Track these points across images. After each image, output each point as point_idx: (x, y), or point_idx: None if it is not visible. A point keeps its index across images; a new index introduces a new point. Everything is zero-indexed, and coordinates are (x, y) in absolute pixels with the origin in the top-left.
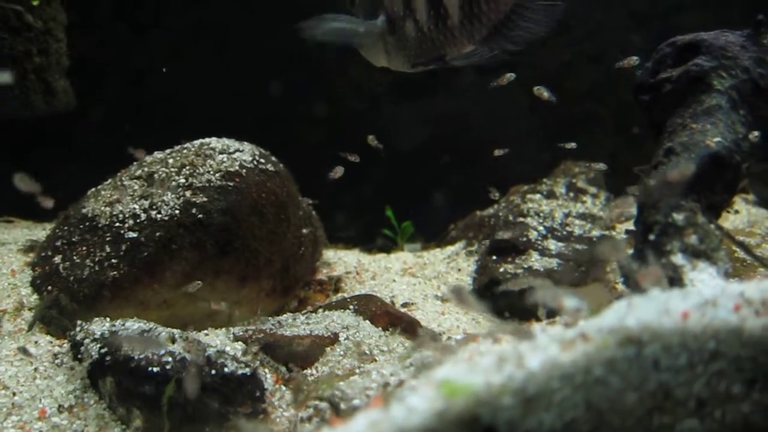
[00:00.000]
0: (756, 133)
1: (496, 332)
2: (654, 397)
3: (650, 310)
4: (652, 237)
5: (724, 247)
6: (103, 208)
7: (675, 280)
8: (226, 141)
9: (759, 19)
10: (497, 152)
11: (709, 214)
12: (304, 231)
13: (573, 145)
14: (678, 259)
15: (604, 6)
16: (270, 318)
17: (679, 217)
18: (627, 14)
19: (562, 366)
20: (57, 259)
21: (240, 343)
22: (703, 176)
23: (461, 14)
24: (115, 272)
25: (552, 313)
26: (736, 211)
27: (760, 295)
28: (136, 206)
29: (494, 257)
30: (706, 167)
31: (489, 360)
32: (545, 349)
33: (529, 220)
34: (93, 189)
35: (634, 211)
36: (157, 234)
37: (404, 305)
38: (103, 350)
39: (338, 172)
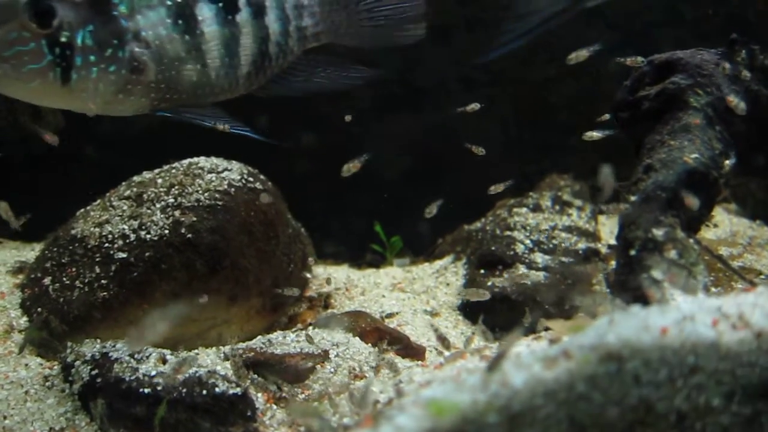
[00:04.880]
0: (729, 162)
1: (483, 349)
2: (636, 411)
3: (630, 326)
4: (632, 252)
5: (704, 261)
6: (92, 228)
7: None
8: (214, 160)
9: (732, 38)
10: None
11: (688, 229)
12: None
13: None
14: (658, 274)
15: (585, 21)
16: (260, 336)
17: (658, 232)
18: (608, 30)
19: (546, 383)
20: (46, 280)
21: (231, 362)
22: (682, 192)
23: (253, 66)
24: (105, 293)
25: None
26: (715, 225)
27: (736, 309)
28: (125, 227)
29: (482, 271)
30: (684, 183)
31: (475, 378)
32: (529, 366)
33: (515, 233)
34: (82, 210)
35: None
36: (147, 254)
37: (388, 316)
38: (94, 372)
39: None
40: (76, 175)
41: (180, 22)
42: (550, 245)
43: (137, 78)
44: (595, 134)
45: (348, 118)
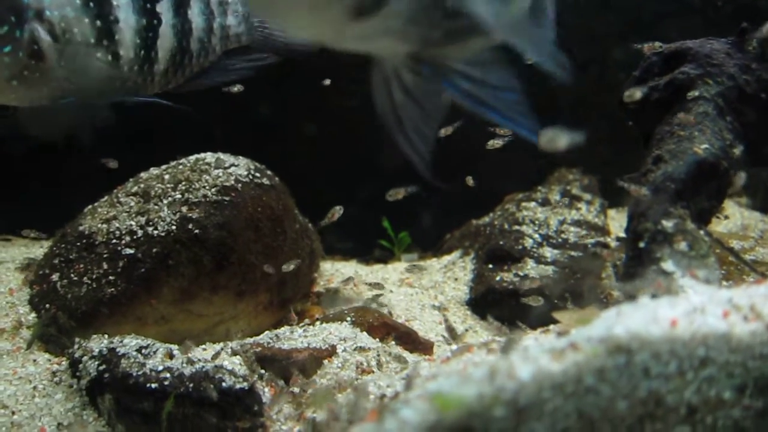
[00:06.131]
0: (736, 151)
1: (490, 342)
2: (645, 404)
3: (639, 318)
4: (642, 244)
5: (715, 253)
6: (99, 225)
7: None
8: (221, 156)
9: (743, 27)
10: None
11: (698, 221)
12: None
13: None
14: (668, 265)
15: (594, 13)
16: (268, 331)
17: (668, 224)
18: (618, 21)
19: (553, 376)
20: (54, 276)
21: (238, 357)
22: (692, 183)
23: (171, 62)
24: (112, 289)
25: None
26: (726, 217)
27: (748, 300)
28: (133, 223)
29: (490, 266)
30: (694, 174)
31: (481, 371)
32: (536, 359)
33: (524, 227)
34: (90, 206)
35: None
36: (154, 250)
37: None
38: (101, 367)
39: None
40: (82, 172)
41: (91, 4)
42: (559, 239)
43: (36, 64)
44: (496, 142)
45: (327, 82)
